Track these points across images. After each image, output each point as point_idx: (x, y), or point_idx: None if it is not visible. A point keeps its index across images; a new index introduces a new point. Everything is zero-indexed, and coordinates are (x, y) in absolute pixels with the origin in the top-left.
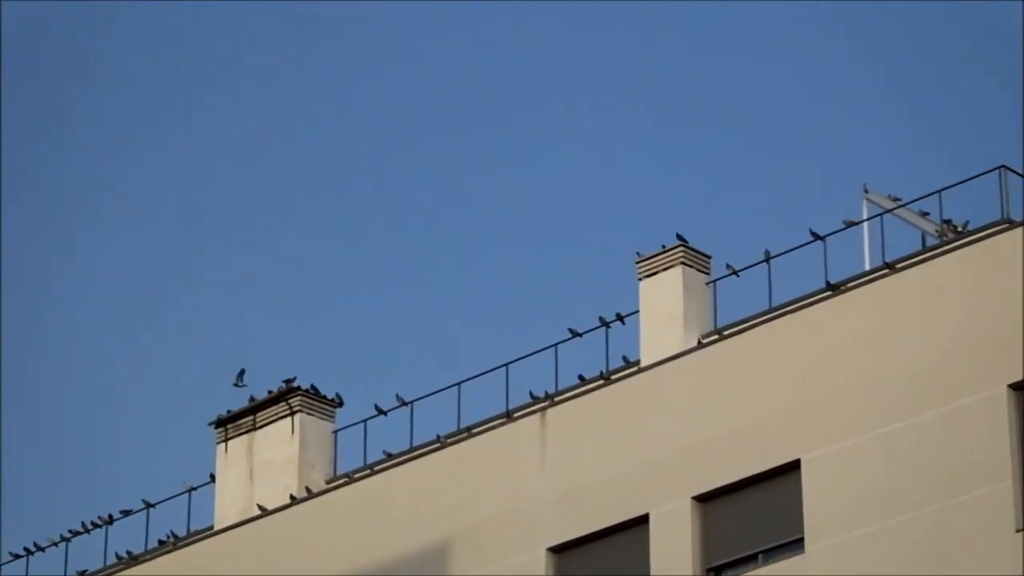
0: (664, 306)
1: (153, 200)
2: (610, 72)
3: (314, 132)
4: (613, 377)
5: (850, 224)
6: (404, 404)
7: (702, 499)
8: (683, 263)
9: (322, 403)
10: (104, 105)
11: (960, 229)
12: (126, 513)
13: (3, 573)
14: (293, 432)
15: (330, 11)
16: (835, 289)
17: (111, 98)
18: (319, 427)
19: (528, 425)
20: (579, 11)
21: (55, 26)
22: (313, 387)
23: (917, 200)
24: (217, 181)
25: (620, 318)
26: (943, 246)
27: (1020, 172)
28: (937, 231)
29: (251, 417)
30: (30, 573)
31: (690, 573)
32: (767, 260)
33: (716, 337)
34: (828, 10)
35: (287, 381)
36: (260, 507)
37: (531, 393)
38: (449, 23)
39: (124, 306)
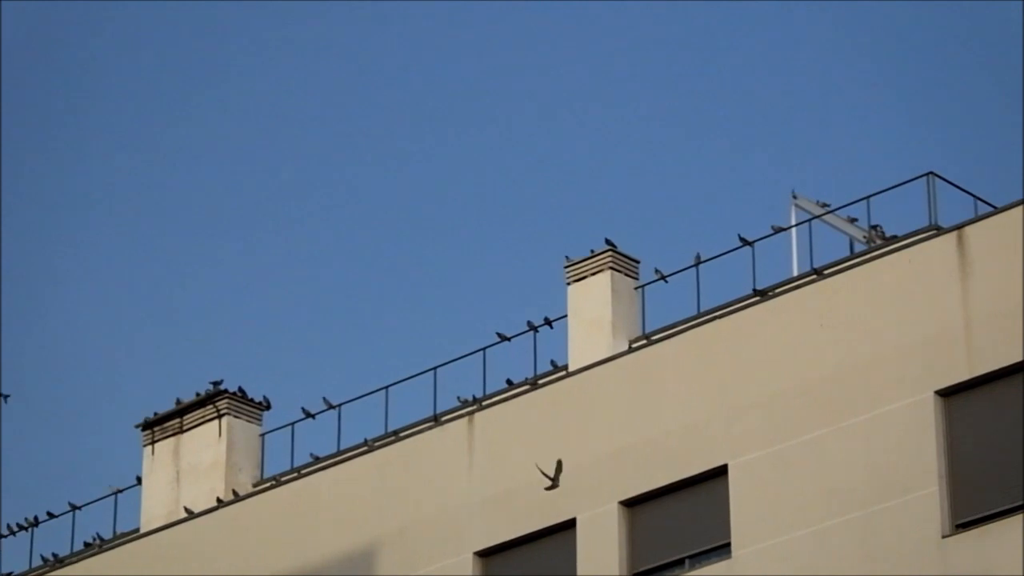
0: (592, 311)
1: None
2: (540, 78)
3: (237, 136)
4: (541, 381)
5: (778, 230)
6: (332, 407)
7: (629, 504)
8: (612, 268)
9: (249, 406)
10: (104, 105)
11: (881, 235)
12: (52, 515)
13: None
14: (220, 435)
15: (328, 11)
16: (763, 295)
17: (111, 98)
18: (246, 430)
19: (456, 429)
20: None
21: (55, 26)
22: (240, 390)
23: (845, 206)
24: (168, 181)
25: (548, 323)
26: (871, 252)
27: (948, 179)
28: (865, 237)
29: (178, 420)
30: None
31: None
32: (696, 265)
33: (644, 342)
34: (761, 18)
35: (214, 384)
36: (187, 509)
37: (459, 397)
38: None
39: (56, 308)
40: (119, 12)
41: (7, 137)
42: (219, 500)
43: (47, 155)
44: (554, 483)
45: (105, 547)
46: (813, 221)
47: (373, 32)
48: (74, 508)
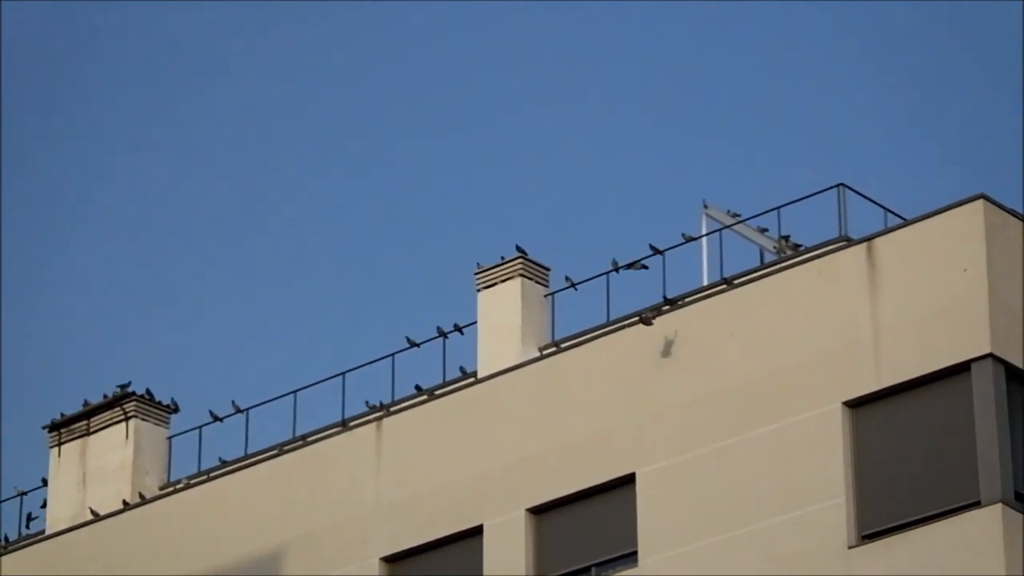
0: (502, 318)
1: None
2: (451, 84)
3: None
4: (450, 388)
5: (689, 239)
6: (239, 411)
7: (536, 511)
8: (522, 275)
9: (157, 409)
10: (104, 105)
11: (791, 246)
12: None
13: None
14: (127, 437)
15: (325, 11)
16: (672, 304)
17: (111, 98)
18: (153, 433)
19: (364, 434)
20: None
21: (55, 26)
22: (148, 393)
23: (756, 216)
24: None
25: (458, 328)
26: (781, 263)
27: (859, 191)
28: (775, 247)
29: (85, 422)
30: None
31: None
32: (606, 273)
33: (553, 349)
34: (662, 29)
35: (122, 386)
36: (93, 512)
37: (367, 402)
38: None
39: None
40: (119, 12)
41: (7, 137)
42: (125, 503)
43: (47, 155)
44: None
45: (10, 548)
46: (724, 231)
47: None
48: None
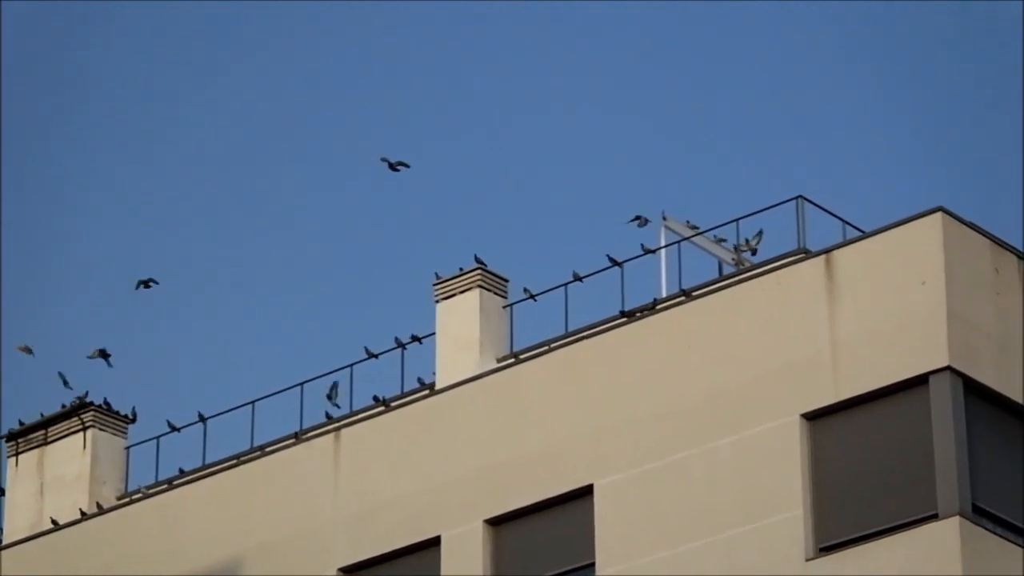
0: (460, 329)
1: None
2: (407, 93)
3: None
4: (408, 399)
5: (647, 251)
6: (197, 421)
7: (494, 522)
8: (480, 286)
9: (115, 419)
10: (104, 105)
11: (748, 248)
12: None
13: None
14: (85, 447)
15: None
16: (629, 316)
17: (111, 98)
18: (111, 443)
19: (322, 445)
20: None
21: (55, 26)
22: (106, 402)
23: (714, 228)
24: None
25: (416, 339)
26: (739, 275)
27: (817, 203)
28: (734, 259)
29: (43, 431)
30: None
31: None
32: (565, 285)
33: (511, 361)
34: (621, 40)
35: (80, 397)
36: (53, 520)
37: (326, 413)
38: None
39: None
40: (119, 12)
41: (7, 137)
42: (83, 512)
43: (47, 155)
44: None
45: None
46: (682, 243)
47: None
48: None
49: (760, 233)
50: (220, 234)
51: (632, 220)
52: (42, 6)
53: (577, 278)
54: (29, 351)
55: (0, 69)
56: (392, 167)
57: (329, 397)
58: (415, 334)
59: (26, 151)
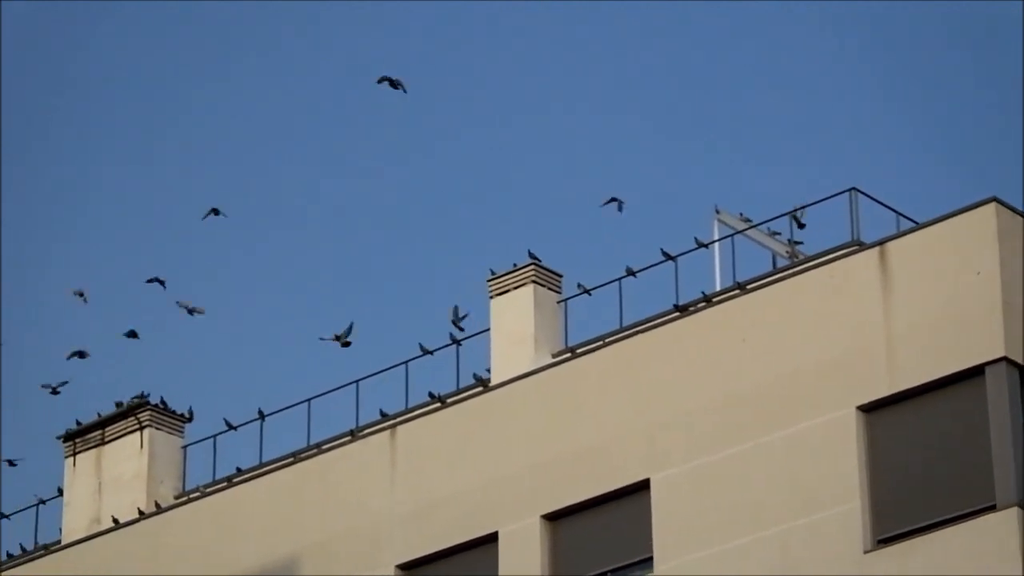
0: (515, 324)
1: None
2: (461, 88)
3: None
4: (463, 395)
5: (701, 244)
6: (254, 419)
7: (551, 517)
8: (534, 282)
9: (171, 418)
10: (104, 105)
11: (795, 250)
12: None
13: None
14: (142, 447)
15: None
16: (683, 310)
17: (111, 98)
18: (168, 442)
19: (378, 442)
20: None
21: (55, 26)
22: (162, 402)
23: (768, 221)
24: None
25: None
26: (793, 267)
27: (871, 195)
28: (788, 252)
29: (100, 432)
30: None
31: None
32: (619, 280)
33: (566, 356)
34: (677, 33)
35: (138, 397)
36: (114, 519)
37: (381, 410)
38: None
39: None
40: (119, 12)
41: (7, 137)
42: (140, 512)
43: (47, 155)
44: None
45: (28, 557)
46: (736, 236)
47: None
48: (2, 516)
49: (802, 208)
50: (278, 231)
51: (607, 203)
52: (42, 6)
53: (631, 273)
54: (83, 296)
55: (0, 69)
56: (393, 85)
57: (338, 338)
58: (468, 330)
59: (26, 151)
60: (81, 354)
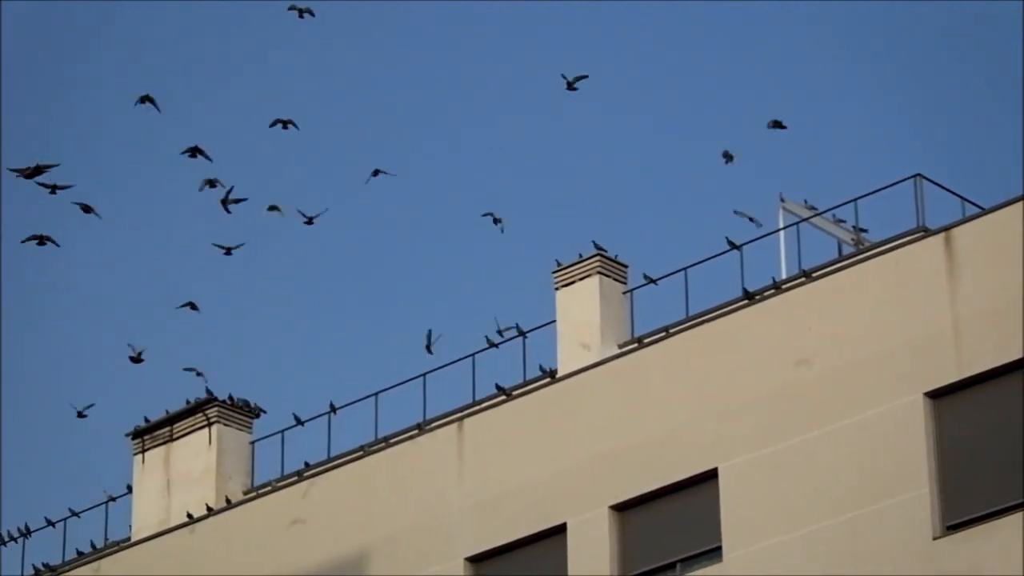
0: (581, 316)
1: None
2: (526, 81)
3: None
4: (530, 387)
5: (766, 233)
6: (324, 414)
7: (620, 508)
8: (600, 273)
9: (240, 414)
10: (104, 105)
11: (860, 237)
12: (50, 523)
13: None
14: (210, 443)
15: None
16: (751, 298)
17: (111, 98)
18: (237, 438)
19: (445, 435)
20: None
21: (55, 26)
22: (230, 397)
23: (833, 209)
24: (162, 186)
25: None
26: (859, 254)
27: (936, 181)
28: (853, 240)
29: (168, 428)
30: None
31: None
32: (684, 269)
33: (633, 346)
34: (747, 20)
35: (206, 395)
36: (189, 515)
37: (448, 403)
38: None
39: (45, 316)
40: (119, 12)
41: (7, 137)
42: (209, 508)
43: (47, 155)
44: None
45: (98, 555)
46: (800, 224)
47: (349, 32)
48: (73, 514)
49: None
50: (341, 226)
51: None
52: (42, 6)
53: (696, 262)
54: (214, 183)
55: (0, 69)
56: (570, 86)
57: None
58: (536, 322)
59: (26, 151)
60: (193, 305)
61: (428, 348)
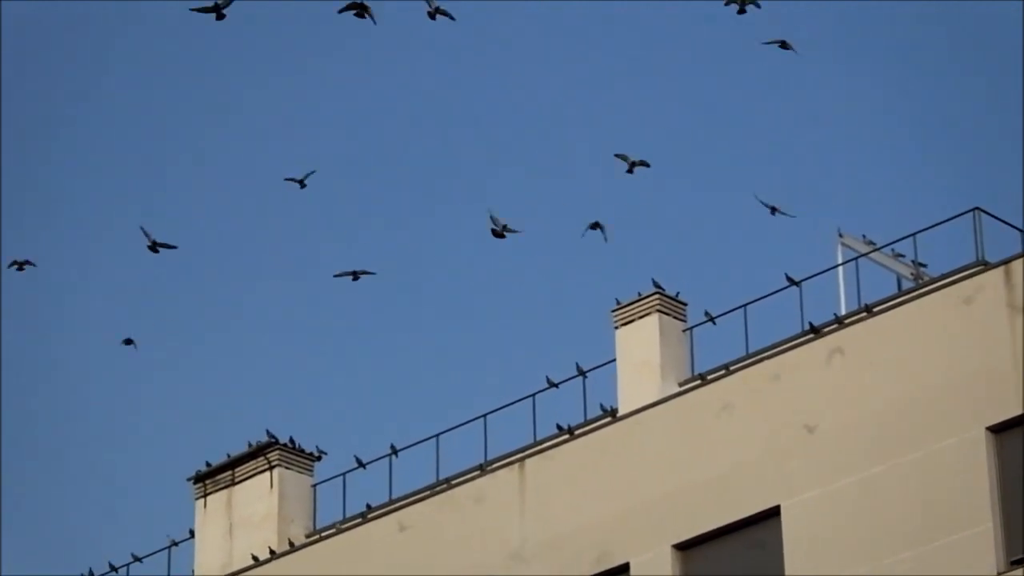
0: (641, 354)
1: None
2: (583, 120)
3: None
4: (591, 426)
5: (825, 269)
6: (384, 456)
7: (682, 547)
8: (659, 310)
9: (301, 457)
10: (104, 105)
11: (920, 271)
12: (113, 568)
13: None
14: (272, 487)
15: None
16: (816, 332)
17: (111, 98)
18: (298, 481)
19: (507, 476)
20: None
21: (55, 26)
22: (291, 441)
23: (892, 243)
24: (209, 209)
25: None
26: (919, 289)
27: (995, 214)
28: (912, 274)
29: (230, 472)
30: None
31: None
32: (744, 306)
33: (693, 384)
34: (800, 58)
35: (268, 439)
36: (254, 557)
37: (509, 444)
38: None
39: (104, 362)
40: (119, 12)
41: (7, 137)
42: (272, 551)
43: (47, 155)
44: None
45: None
46: (860, 259)
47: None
48: (136, 559)
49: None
50: (400, 268)
51: (589, 228)
52: (42, 6)
53: (756, 299)
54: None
55: (0, 69)
56: (631, 169)
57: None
58: (595, 361)
59: (26, 151)
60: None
61: (597, 227)
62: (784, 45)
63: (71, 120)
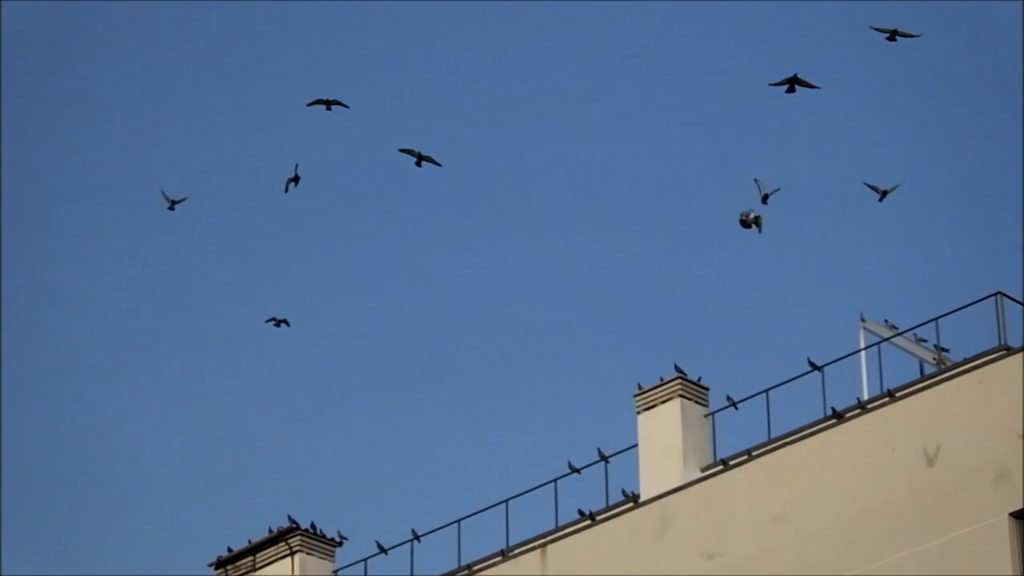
0: (663, 439)
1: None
2: (601, 199)
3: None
4: (613, 511)
5: (847, 354)
6: (406, 541)
7: None
8: (681, 395)
9: (322, 542)
10: (104, 105)
11: (942, 356)
12: None
13: None
14: (293, 572)
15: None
16: (839, 417)
17: (111, 98)
18: (320, 567)
19: (529, 561)
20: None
21: (55, 26)
22: (313, 526)
23: (914, 328)
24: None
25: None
26: (942, 373)
27: (1017, 299)
28: (935, 359)
29: (251, 558)
30: None
31: None
32: (766, 391)
33: (716, 469)
34: (820, 140)
35: (289, 524)
36: None
37: (531, 530)
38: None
39: (124, 446)
40: (119, 12)
41: (7, 137)
42: None
43: (47, 155)
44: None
45: None
46: (882, 344)
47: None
48: None
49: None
50: (420, 352)
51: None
52: (42, 6)
53: (778, 384)
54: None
55: (0, 69)
56: (765, 199)
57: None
58: (617, 447)
59: (27, 151)
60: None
61: (763, 199)
62: (793, 84)
63: (71, 119)
